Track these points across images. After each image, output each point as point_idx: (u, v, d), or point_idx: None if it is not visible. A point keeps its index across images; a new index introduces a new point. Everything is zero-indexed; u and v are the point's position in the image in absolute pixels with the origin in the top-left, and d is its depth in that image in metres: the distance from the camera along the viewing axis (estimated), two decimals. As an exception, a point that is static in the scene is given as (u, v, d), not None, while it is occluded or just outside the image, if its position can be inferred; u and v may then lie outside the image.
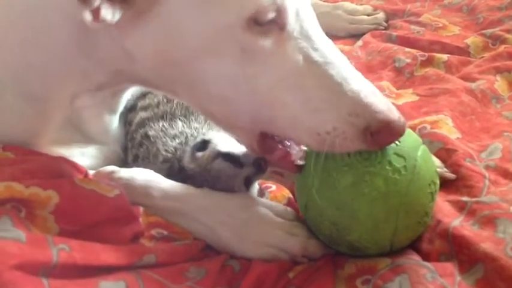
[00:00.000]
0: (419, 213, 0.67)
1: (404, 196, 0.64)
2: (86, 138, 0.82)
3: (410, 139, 0.68)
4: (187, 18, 0.60)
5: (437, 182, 0.69)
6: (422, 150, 0.67)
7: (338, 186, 0.65)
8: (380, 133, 0.61)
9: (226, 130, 0.71)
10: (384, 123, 0.61)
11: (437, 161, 0.80)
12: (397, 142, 0.65)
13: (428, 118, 0.95)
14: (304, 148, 0.69)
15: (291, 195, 0.79)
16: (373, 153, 0.64)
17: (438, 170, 0.74)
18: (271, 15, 0.60)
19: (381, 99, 0.62)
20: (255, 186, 0.78)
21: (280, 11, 0.60)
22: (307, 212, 0.69)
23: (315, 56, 0.62)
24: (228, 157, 0.74)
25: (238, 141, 0.74)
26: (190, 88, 0.66)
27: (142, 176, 0.75)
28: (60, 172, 0.69)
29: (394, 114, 0.62)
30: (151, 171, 0.77)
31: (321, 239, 0.70)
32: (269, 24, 0.60)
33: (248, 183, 0.74)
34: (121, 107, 0.87)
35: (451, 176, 0.79)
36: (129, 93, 0.88)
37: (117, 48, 0.64)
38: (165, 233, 0.71)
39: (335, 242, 0.69)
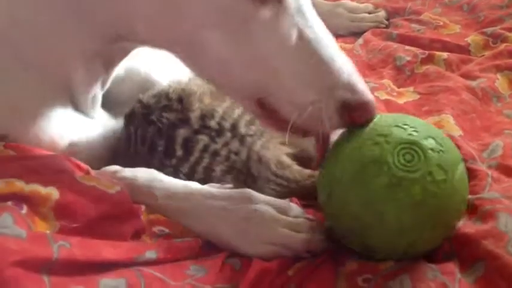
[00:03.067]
0: (444, 229, 0.65)
1: (437, 210, 0.62)
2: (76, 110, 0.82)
3: (453, 152, 0.66)
4: None
5: (467, 201, 0.68)
6: (462, 166, 0.66)
7: (371, 184, 0.63)
8: (356, 111, 0.65)
9: (226, 94, 0.75)
10: (361, 102, 0.65)
11: None
12: (441, 153, 0.63)
13: (431, 119, 0.95)
14: None
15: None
16: (415, 159, 0.62)
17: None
18: None
19: (360, 80, 0.67)
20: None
21: None
22: (330, 201, 0.68)
23: (309, 33, 0.66)
24: None
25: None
26: (190, 52, 0.69)
27: (145, 175, 0.75)
28: (61, 169, 0.69)
29: (370, 96, 0.67)
30: (154, 171, 0.77)
31: (336, 230, 0.69)
32: None
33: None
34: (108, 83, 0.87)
35: None
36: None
37: (114, 13, 0.67)
38: (166, 230, 0.71)
39: (349, 237, 0.68)
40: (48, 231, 0.60)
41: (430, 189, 0.62)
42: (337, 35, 1.42)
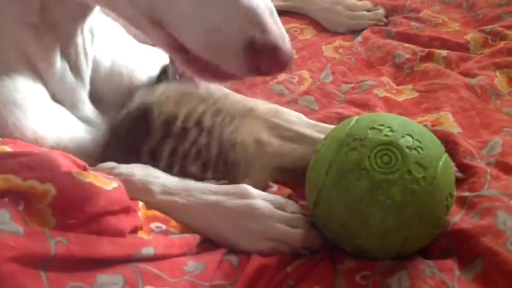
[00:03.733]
0: (432, 225, 0.65)
1: (420, 208, 0.62)
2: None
3: (433, 147, 0.65)
4: None
5: (454, 194, 0.67)
6: (444, 160, 0.65)
7: (352, 189, 0.63)
8: (263, 55, 0.55)
9: (136, 28, 0.66)
10: (271, 45, 0.55)
11: None
12: (419, 150, 0.63)
13: (429, 117, 0.95)
14: None
15: (291, 192, 0.79)
16: (393, 159, 0.62)
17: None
18: None
19: (277, 23, 0.57)
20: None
21: None
22: (316, 209, 0.68)
23: None
24: None
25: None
26: None
27: (141, 171, 0.75)
28: (58, 166, 0.69)
29: (285, 43, 0.56)
30: (150, 167, 0.76)
31: (327, 236, 0.70)
32: None
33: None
34: (87, 73, 0.84)
35: (460, 175, 0.79)
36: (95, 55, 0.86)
37: None
38: (164, 227, 0.70)
39: (341, 242, 0.68)
40: (45, 228, 0.60)
41: (410, 188, 0.62)
42: (336, 33, 1.42)
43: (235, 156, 0.79)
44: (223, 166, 0.78)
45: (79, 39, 0.80)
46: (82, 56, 0.82)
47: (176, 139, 0.78)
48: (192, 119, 0.80)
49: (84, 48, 0.82)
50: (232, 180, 0.76)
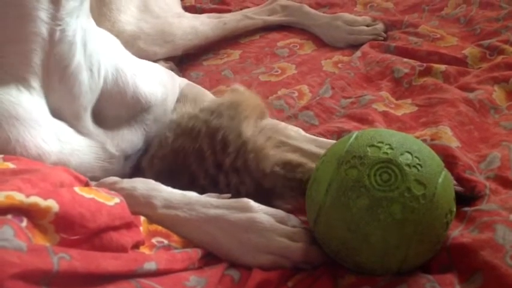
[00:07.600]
0: (432, 242, 0.65)
1: (420, 225, 0.62)
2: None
3: (433, 164, 0.65)
4: None
5: (454, 210, 0.67)
6: (443, 177, 0.65)
7: (352, 207, 0.63)
8: None
9: None
10: None
11: None
12: (418, 167, 0.63)
13: (428, 131, 0.95)
14: None
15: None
16: (393, 177, 0.63)
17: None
18: None
19: None
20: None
21: None
22: (316, 226, 0.69)
23: None
24: None
25: None
26: None
27: (143, 185, 0.76)
28: (61, 182, 0.69)
29: None
30: (152, 181, 0.77)
31: (327, 253, 0.70)
32: None
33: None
34: (100, 80, 0.83)
35: (460, 189, 0.79)
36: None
37: None
38: (165, 242, 0.71)
39: (342, 259, 0.68)
40: (48, 244, 0.60)
41: (410, 206, 0.62)
42: (336, 48, 1.43)
43: (269, 183, 0.80)
44: (263, 192, 0.79)
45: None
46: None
47: (209, 189, 0.80)
48: (211, 166, 0.81)
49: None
50: (274, 202, 0.78)
